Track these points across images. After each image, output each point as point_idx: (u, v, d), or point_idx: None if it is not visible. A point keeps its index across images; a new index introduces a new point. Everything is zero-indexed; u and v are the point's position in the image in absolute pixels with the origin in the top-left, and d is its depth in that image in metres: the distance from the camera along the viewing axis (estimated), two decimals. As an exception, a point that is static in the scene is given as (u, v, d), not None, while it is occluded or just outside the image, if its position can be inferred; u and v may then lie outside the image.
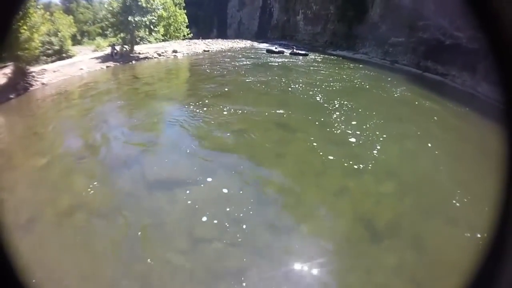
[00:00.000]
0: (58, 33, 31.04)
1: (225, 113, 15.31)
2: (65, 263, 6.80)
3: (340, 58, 38.80)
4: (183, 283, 6.39)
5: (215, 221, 7.86)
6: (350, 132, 13.38)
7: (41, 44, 26.45)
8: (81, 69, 26.98)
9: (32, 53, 23.93)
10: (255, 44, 53.68)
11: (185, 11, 50.12)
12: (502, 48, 1.29)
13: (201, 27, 72.07)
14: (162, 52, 36.71)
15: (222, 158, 11.20)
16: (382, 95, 21.07)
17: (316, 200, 9.17)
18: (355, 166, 10.63)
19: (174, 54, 37.35)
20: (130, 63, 31.85)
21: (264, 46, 48.54)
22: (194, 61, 34.73)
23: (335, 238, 7.79)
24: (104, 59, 31.38)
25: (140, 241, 7.32)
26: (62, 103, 18.28)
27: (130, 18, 32.34)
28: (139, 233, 7.53)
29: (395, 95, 20.84)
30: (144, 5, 33.27)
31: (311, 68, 30.60)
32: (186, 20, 49.94)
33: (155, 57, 35.06)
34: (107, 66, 29.35)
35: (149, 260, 6.84)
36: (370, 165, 10.72)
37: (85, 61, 29.81)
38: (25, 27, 21.44)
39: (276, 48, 43.57)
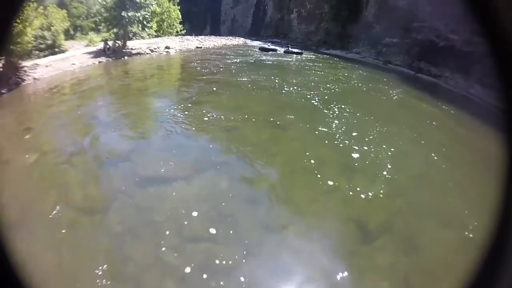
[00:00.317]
0: (51, 28, 30.65)
1: (208, 118, 14.98)
2: (54, 262, 6.77)
3: (334, 57, 38.89)
4: (174, 282, 6.39)
5: (206, 219, 7.87)
6: (353, 145, 12.53)
7: (33, 38, 26.13)
8: (73, 64, 26.73)
9: (25, 47, 23.61)
10: (248, 41, 53.62)
11: (179, 7, 49.81)
12: (503, 52, 1.28)
13: (194, 23, 71.78)
14: (155, 48, 36.52)
15: (213, 157, 11.19)
16: (380, 97, 20.90)
17: (307, 199, 9.20)
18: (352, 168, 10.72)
19: (166, 50, 37.18)
20: (123, 58, 31.64)
21: (257, 44, 48.53)
22: (186, 58, 34.56)
23: (326, 238, 7.83)
24: (97, 54, 31.11)
25: (130, 239, 7.32)
26: (53, 99, 18.09)
27: (123, 13, 32.07)
28: (129, 230, 7.54)
29: (393, 98, 20.77)
30: (137, 0, 33.02)
31: (305, 67, 30.57)
32: (180, 16, 49.64)
33: (147, 53, 34.85)
34: (99, 62, 29.13)
35: (139, 258, 6.85)
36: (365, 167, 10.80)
37: (78, 56, 29.53)
38: (17, 21, 21.16)
39: (269, 46, 43.53)
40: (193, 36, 51.53)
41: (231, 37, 58.11)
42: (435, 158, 11.77)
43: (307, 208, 8.82)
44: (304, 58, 37.04)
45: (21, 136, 12.74)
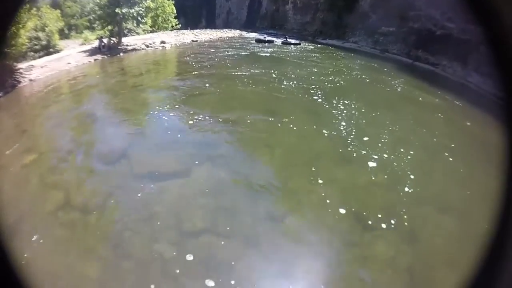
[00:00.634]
0: (45, 28, 30.39)
1: (203, 113, 14.78)
2: (55, 261, 6.79)
3: (331, 47, 38.59)
4: (174, 277, 6.39)
5: (205, 212, 7.91)
6: (366, 149, 11.63)
7: (28, 40, 25.92)
8: (69, 63, 26.56)
9: (19, 49, 23.49)
10: (244, 33, 53.22)
11: (173, 1, 49.42)
12: (501, 43, 1.28)
13: (189, 17, 71.27)
14: (150, 43, 36.30)
15: (209, 150, 11.16)
16: (385, 89, 20.32)
17: (306, 189, 9.20)
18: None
19: (162, 45, 36.97)
20: (118, 55, 31.44)
21: (253, 35, 48.11)
22: (182, 52, 34.35)
23: (326, 228, 7.83)
24: (92, 52, 30.91)
25: (129, 235, 7.33)
26: (50, 99, 17.99)
27: (117, 10, 31.81)
28: (128, 227, 7.54)
29: (398, 90, 20.23)
30: (131, -4, 32.82)
31: (304, 58, 30.09)
32: (174, 11, 49.20)
33: (143, 49, 34.64)
34: (94, 59, 28.94)
35: (139, 255, 6.87)
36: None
37: (73, 55, 29.35)
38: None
39: (265, 37, 43.18)
40: (188, 30, 51.21)
41: (226, 30, 57.69)
42: (437, 148, 11.77)
43: (306, 199, 8.81)
44: (301, 48, 36.72)
45: (18, 138, 12.70)
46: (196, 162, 10.10)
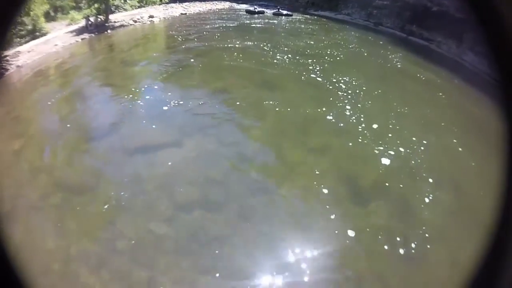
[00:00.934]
0: (30, 12, 29.73)
1: (191, 85, 14.61)
2: (49, 244, 6.75)
3: (323, 18, 37.54)
4: (168, 254, 6.38)
5: (196, 185, 7.83)
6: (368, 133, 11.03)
7: (12, 26, 25.39)
8: (56, 45, 26.02)
9: (4, 37, 22.96)
10: (234, 4, 51.84)
11: (161, -25, 48.14)
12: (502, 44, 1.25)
13: (178, -10, 69.55)
14: (138, 19, 35.46)
15: (199, 122, 11.04)
16: (386, 65, 19.54)
17: (298, 159, 9.11)
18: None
19: (150, 19, 36.12)
20: (106, 32, 30.77)
21: (244, 7, 46.81)
22: (170, 25, 33.57)
23: (319, 199, 7.78)
24: (79, 31, 30.25)
25: (122, 213, 7.31)
26: (38, 83, 17.67)
27: (103, -13, 31.04)
28: (121, 204, 7.51)
29: (398, 66, 19.45)
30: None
31: (297, 30, 29.18)
32: (162, -16, 48.06)
33: (131, 24, 33.85)
34: (82, 39, 28.35)
35: (132, 233, 6.82)
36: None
37: (60, 37, 28.74)
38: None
39: (255, 8, 42.13)
40: (177, 3, 50.04)
41: (216, 2, 56.10)
42: (434, 123, 11.70)
43: (299, 169, 8.73)
44: (293, 20, 35.77)
45: (8, 125, 12.56)
46: (186, 134, 9.99)
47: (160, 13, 39.65)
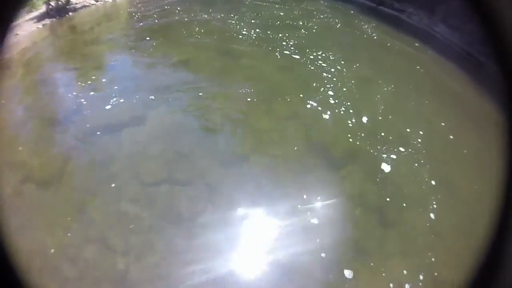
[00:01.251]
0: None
1: (153, 59, 13.84)
2: (25, 241, 6.42)
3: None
4: (141, 237, 6.21)
5: (163, 161, 7.59)
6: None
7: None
8: (16, 34, 24.85)
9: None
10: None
11: None
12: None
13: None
14: (101, -2, 34.27)
15: (163, 93, 10.48)
16: (362, 36, 18.25)
17: (267, 127, 8.85)
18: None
19: (113, -2, 34.96)
20: (67, 15, 29.55)
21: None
22: (132, 2, 32.58)
23: (290, 167, 7.66)
24: (40, 18, 28.85)
25: (90, 199, 7.06)
26: (-3, 78, 16.99)
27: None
28: (89, 190, 7.25)
29: (374, 38, 18.16)
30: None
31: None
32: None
33: (92, 4, 32.48)
34: (43, 25, 26.99)
35: (104, 217, 6.65)
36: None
37: (19, 25, 27.41)
38: None
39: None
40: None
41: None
42: (406, 92, 11.63)
43: (268, 137, 8.52)
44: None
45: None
46: (150, 107, 9.57)
47: (121, -10, 38.28)
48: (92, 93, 11.33)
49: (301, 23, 18.51)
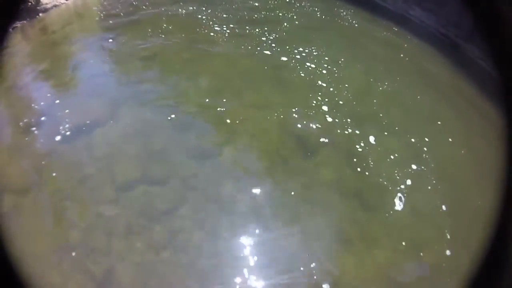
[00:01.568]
0: None
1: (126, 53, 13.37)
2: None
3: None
4: (121, 237, 6.21)
5: (136, 160, 7.49)
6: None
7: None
8: (-15, 40, 24.41)
9: None
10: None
11: None
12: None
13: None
14: (71, -4, 33.55)
15: (131, 88, 10.38)
16: (344, 25, 17.00)
17: (238, 116, 8.75)
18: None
19: (84, -6, 34.28)
20: (37, 16, 28.98)
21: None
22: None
23: (264, 156, 7.66)
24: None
25: (68, 205, 6.98)
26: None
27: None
28: (65, 195, 7.16)
29: (355, 25, 17.04)
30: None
31: None
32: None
33: (63, 3, 31.98)
34: (13, 28, 26.61)
35: (81, 221, 6.60)
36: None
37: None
38: None
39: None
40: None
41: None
42: (378, 72, 11.54)
43: (240, 127, 8.45)
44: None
45: None
46: (121, 105, 9.36)
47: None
48: (64, 93, 11.15)
49: (280, 15, 16.59)
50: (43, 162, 8.20)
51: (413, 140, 8.36)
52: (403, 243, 6.36)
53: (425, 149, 8.15)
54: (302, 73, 9.93)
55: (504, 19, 1.17)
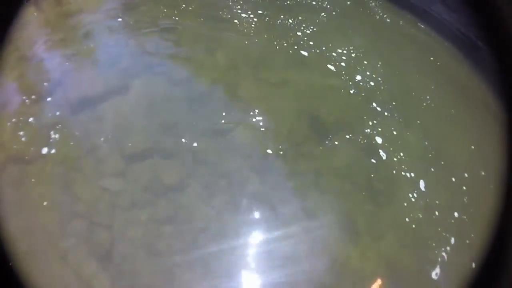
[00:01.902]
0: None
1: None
2: (15, 221, 6.26)
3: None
4: (125, 210, 6.15)
5: (147, 132, 7.39)
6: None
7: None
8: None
9: None
10: None
11: None
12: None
13: None
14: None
15: (146, 61, 10.07)
16: (376, 19, 15.56)
17: (255, 95, 8.53)
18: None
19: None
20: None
21: None
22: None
23: (279, 137, 7.49)
24: None
25: (74, 176, 6.90)
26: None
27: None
28: (71, 166, 7.06)
29: (388, 21, 15.68)
30: None
31: None
32: None
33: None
34: (27, 1, 26.53)
35: (87, 195, 6.51)
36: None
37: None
38: None
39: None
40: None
41: None
42: (394, 63, 11.10)
43: (256, 105, 8.21)
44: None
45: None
46: (134, 75, 9.17)
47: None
48: (77, 64, 10.99)
49: (314, 3, 13.70)
50: (51, 132, 8.10)
51: (433, 138, 8.11)
52: (410, 238, 6.28)
53: (445, 149, 7.97)
54: (352, 90, 8.90)
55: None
